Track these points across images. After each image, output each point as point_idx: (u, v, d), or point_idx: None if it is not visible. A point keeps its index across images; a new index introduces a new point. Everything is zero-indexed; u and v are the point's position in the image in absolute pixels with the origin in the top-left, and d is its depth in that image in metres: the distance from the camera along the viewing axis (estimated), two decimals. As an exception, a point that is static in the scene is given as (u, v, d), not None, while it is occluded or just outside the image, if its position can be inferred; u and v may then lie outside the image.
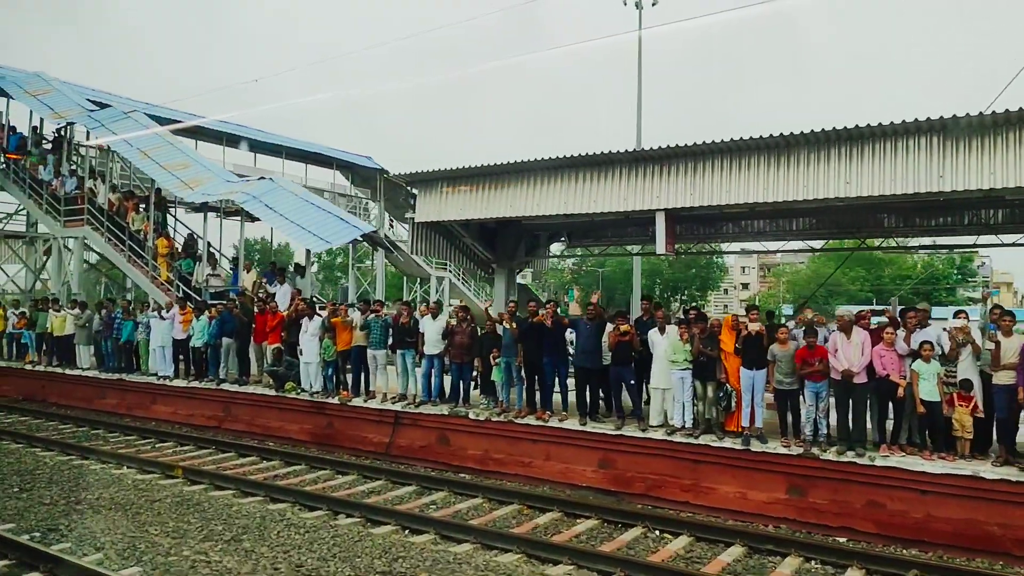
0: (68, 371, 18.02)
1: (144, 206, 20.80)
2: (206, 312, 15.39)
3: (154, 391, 16.20)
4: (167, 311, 15.93)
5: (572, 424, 10.73)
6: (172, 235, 20.44)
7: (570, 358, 11.21)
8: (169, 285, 19.34)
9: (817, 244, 19.38)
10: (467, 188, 12.60)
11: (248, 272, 17.88)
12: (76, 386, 17.90)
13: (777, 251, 21.69)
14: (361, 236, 16.72)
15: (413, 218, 13.55)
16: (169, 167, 19.76)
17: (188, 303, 16.19)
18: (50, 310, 18.69)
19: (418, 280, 45.26)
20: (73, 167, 23.12)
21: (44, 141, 24.91)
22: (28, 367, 19.06)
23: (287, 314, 14.29)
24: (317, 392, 13.57)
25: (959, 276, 65.72)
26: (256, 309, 14.91)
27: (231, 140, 24.81)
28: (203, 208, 19.47)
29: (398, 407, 12.49)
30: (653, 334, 10.35)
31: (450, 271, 42.25)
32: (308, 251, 16.80)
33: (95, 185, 21.79)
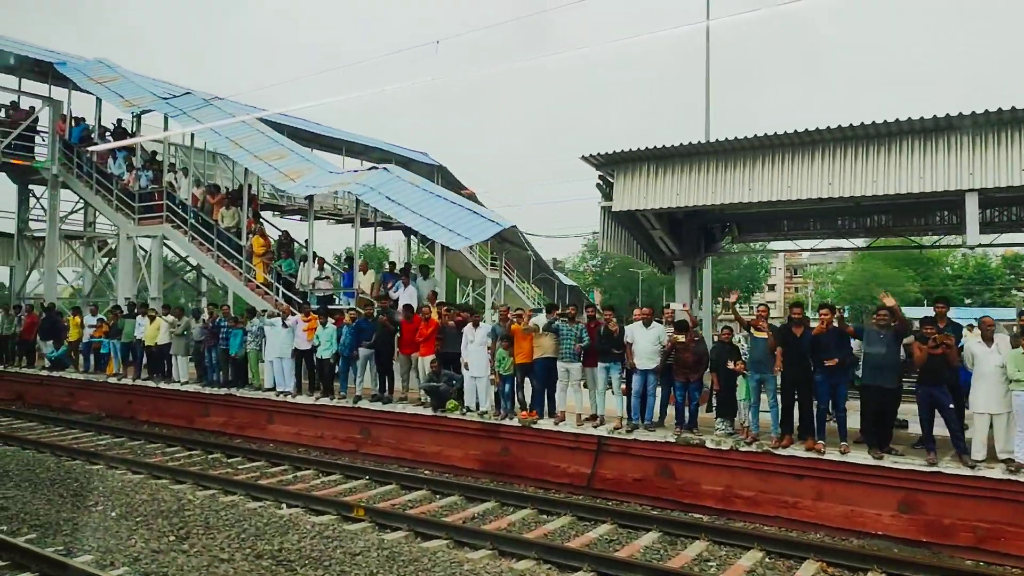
0: (163, 385, 16.06)
1: (231, 201, 18.85)
2: (330, 319, 13.47)
3: (271, 408, 14.24)
4: (286, 318, 13.97)
5: (859, 457, 8.71)
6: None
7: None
8: (267, 289, 17.41)
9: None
10: (687, 169, 10.64)
11: (365, 273, 15.90)
12: (172, 402, 15.94)
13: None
14: (502, 231, 14.76)
15: (609, 207, 11.52)
16: (265, 157, 17.88)
17: (310, 309, 14.20)
18: (138, 316, 16.75)
19: (471, 282, 42.83)
20: (148, 160, 21.19)
21: (108, 133, 23.00)
22: (112, 380, 17.11)
23: (443, 321, 12.32)
24: (487, 412, 11.59)
25: (1012, 276, 63.57)
26: (402, 316, 12.91)
27: (292, 134, 22.78)
28: (308, 205, 17.46)
29: (602, 431, 10.48)
30: (974, 346, 8.33)
31: (504, 272, 40.38)
32: (442, 250, 14.84)
33: (175, 179, 19.86)
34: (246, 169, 18.18)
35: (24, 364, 19.62)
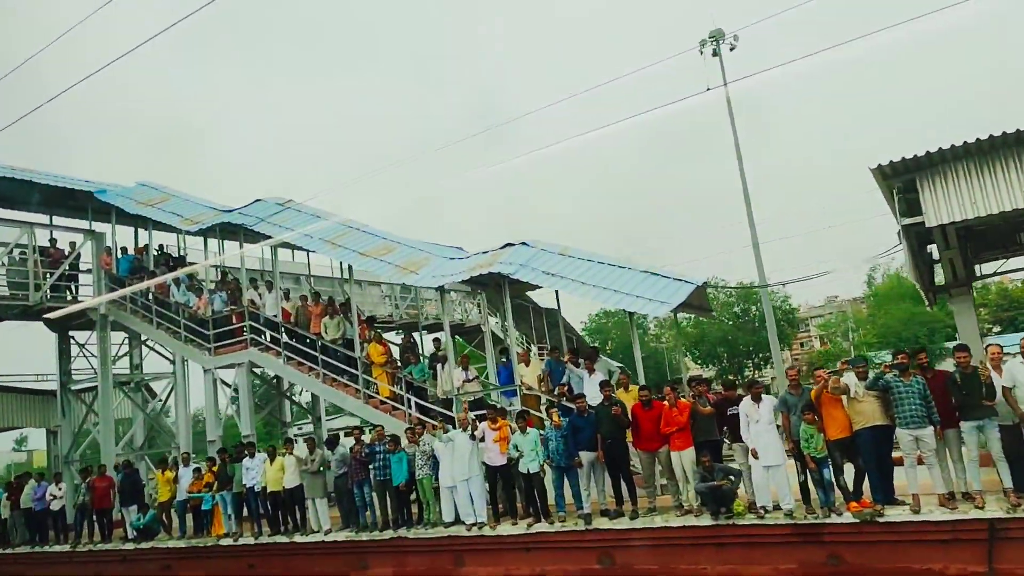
0: (298, 538, 13.06)
1: (332, 310, 16.36)
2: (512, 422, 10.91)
3: (460, 547, 11.35)
4: (466, 430, 11.33)
5: None
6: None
7: None
8: (395, 403, 14.75)
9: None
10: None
11: (528, 365, 13.38)
12: (314, 558, 12.94)
13: None
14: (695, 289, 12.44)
15: (918, 223, 9.29)
16: (372, 253, 15.57)
17: (496, 413, 11.57)
18: (246, 459, 13.90)
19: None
20: (219, 281, 18.79)
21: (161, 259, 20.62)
22: (226, 542, 14.03)
23: (699, 403, 9.81)
24: (793, 509, 8.94)
25: None
26: (635, 404, 10.37)
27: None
28: (439, 297, 14.96)
29: (992, 512, 7.89)
30: None
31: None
32: (632, 319, 12.44)
33: (260, 295, 17.39)
34: (349, 273, 15.84)
35: (99, 539, 16.37)
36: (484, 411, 12.86)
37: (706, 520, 9.38)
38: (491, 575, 10.99)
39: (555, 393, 12.94)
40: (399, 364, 15.07)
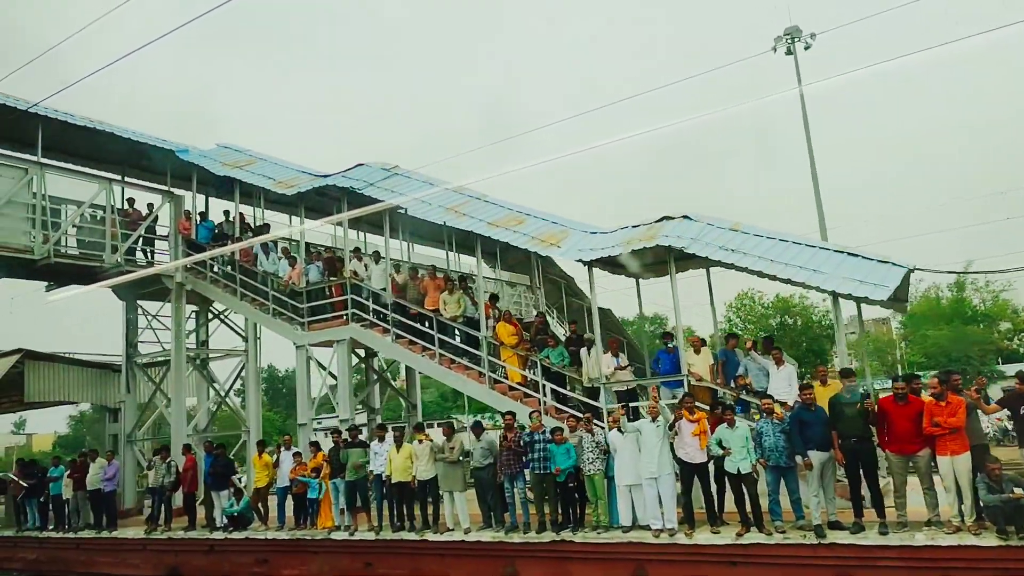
0: (430, 536, 11.47)
1: (452, 285, 14.81)
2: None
3: (642, 556, 9.74)
4: (655, 420, 9.75)
5: None
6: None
7: None
8: (527, 390, 13.19)
9: None
10: None
11: (699, 353, 11.77)
12: (448, 559, 11.33)
13: None
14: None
15: None
16: (502, 223, 14.02)
17: (694, 403, 9.97)
18: (374, 443, 12.36)
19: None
20: (317, 251, 17.26)
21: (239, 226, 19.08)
22: (338, 536, 12.47)
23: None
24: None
25: None
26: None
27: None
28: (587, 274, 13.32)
29: None
30: None
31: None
32: (836, 304, 10.84)
33: (366, 267, 15.84)
34: (476, 246, 14.29)
35: (186, 526, 14.81)
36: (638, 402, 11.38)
37: (990, 540, 7.77)
38: (684, 592, 9.37)
39: (732, 386, 11.35)
40: (534, 347, 13.48)
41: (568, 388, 13.15)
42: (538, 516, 10.69)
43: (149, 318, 19.66)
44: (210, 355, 20.75)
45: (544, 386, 12.88)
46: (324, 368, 16.82)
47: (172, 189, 19.06)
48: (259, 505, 13.85)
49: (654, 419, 9.78)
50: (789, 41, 28.65)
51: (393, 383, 19.52)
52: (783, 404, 9.92)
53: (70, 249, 17.20)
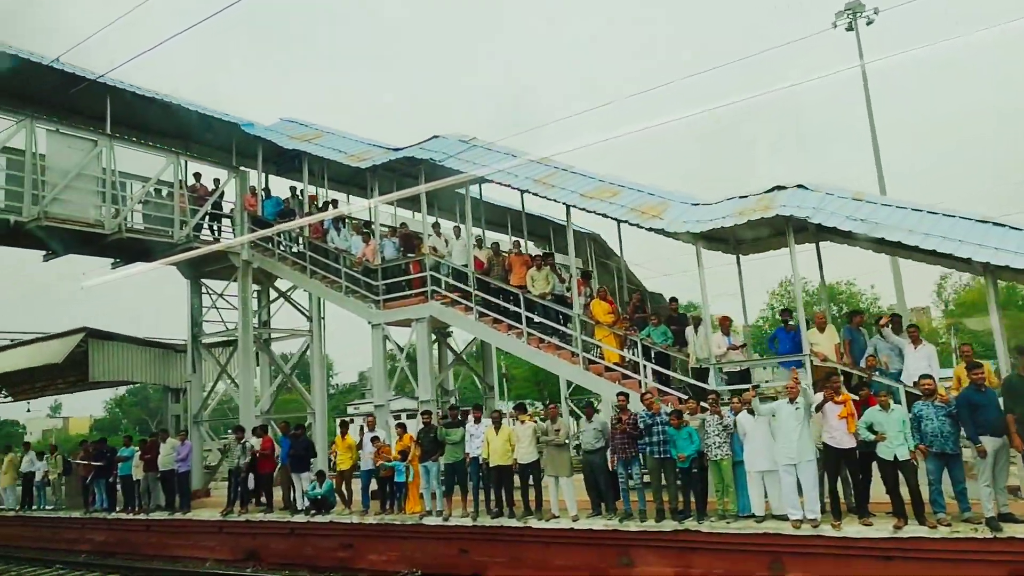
0: (535, 523, 10.82)
1: (540, 260, 14.10)
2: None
3: (780, 548, 8.99)
4: (794, 401, 8.97)
5: None
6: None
7: None
8: (627, 370, 12.45)
9: None
10: None
11: (823, 331, 10.91)
12: (557, 547, 10.67)
13: None
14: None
15: None
16: (596, 195, 13.26)
17: (839, 385, 9.16)
18: (470, 423, 11.72)
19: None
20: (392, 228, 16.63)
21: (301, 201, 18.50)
22: (431, 521, 11.88)
23: None
24: None
25: None
26: None
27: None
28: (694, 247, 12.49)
29: None
30: None
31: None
32: (991, 279, 9.93)
33: (446, 241, 15.19)
34: (568, 215, 13.53)
35: (263, 508, 14.36)
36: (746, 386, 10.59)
37: None
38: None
39: (862, 367, 10.50)
40: (633, 325, 12.73)
41: (672, 369, 12.36)
42: (656, 504, 9.99)
43: (214, 297, 19.22)
44: (273, 335, 20.27)
45: (645, 367, 12.15)
46: (400, 348, 16.21)
47: (236, 165, 18.53)
48: (343, 488, 13.31)
49: (792, 400, 8.99)
50: (850, 16, 27.39)
51: (468, 364, 18.81)
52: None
53: (137, 225, 16.78)
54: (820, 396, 8.95)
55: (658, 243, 13.28)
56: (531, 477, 11.09)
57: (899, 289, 22.17)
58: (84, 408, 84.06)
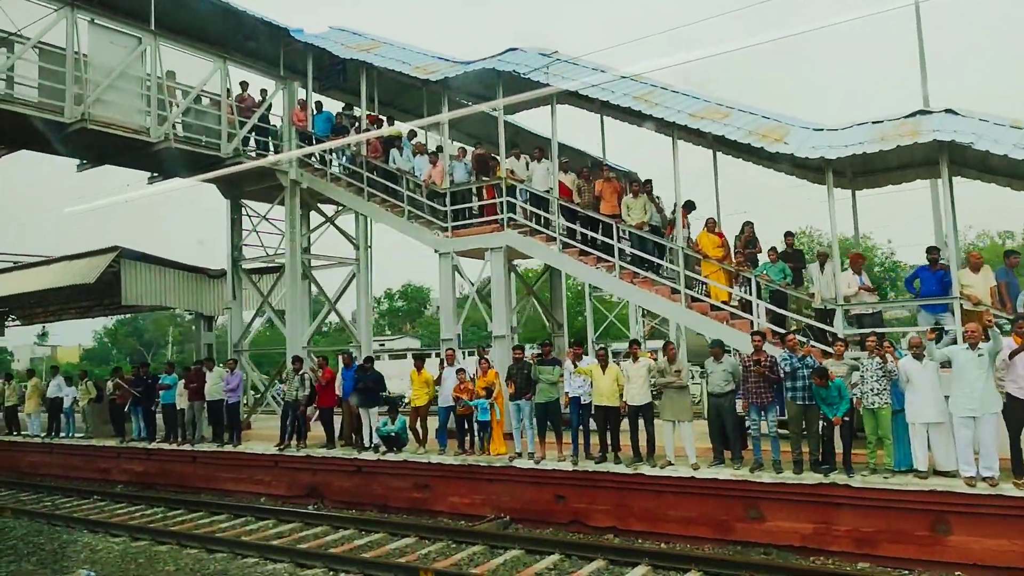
0: (644, 470, 9.89)
1: (637, 187, 12.89)
2: None
3: (946, 507, 8.09)
4: (975, 347, 7.94)
5: None
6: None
7: None
8: (736, 310, 11.41)
9: None
10: None
11: (977, 271, 9.82)
12: (666, 496, 9.76)
13: None
14: None
15: None
16: (706, 116, 11.99)
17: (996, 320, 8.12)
18: (568, 360, 10.71)
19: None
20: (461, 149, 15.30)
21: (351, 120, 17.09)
22: (519, 463, 10.95)
23: None
24: None
25: None
26: None
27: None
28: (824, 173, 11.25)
29: None
30: None
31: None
32: None
33: (527, 165, 13.93)
34: (674, 139, 12.26)
35: (325, 442, 13.44)
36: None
37: None
38: (1006, 552, 7.73)
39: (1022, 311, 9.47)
40: (746, 261, 11.63)
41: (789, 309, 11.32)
42: (793, 454, 9.05)
43: (254, 220, 17.97)
44: (316, 263, 19.06)
45: (758, 306, 11.10)
46: (465, 278, 15.11)
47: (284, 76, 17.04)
48: (416, 426, 12.35)
49: (973, 346, 7.97)
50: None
51: (539, 299, 17.68)
52: None
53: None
54: (1008, 342, 7.92)
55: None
56: (642, 420, 10.10)
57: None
58: (72, 337, 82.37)
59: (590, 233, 12.91)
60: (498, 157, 14.17)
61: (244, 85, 16.37)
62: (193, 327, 20.84)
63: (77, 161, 15.45)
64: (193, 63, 15.63)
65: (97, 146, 13.92)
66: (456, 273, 14.58)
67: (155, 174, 16.47)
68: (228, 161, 15.38)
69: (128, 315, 57.49)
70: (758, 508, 9.21)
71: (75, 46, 12.97)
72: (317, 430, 13.90)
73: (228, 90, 15.66)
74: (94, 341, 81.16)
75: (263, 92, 16.59)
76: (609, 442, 10.35)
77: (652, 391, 10.10)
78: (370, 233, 18.36)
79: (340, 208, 17.88)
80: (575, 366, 10.52)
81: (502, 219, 13.68)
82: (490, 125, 15.01)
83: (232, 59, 15.96)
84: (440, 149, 15.48)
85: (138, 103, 14.04)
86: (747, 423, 9.37)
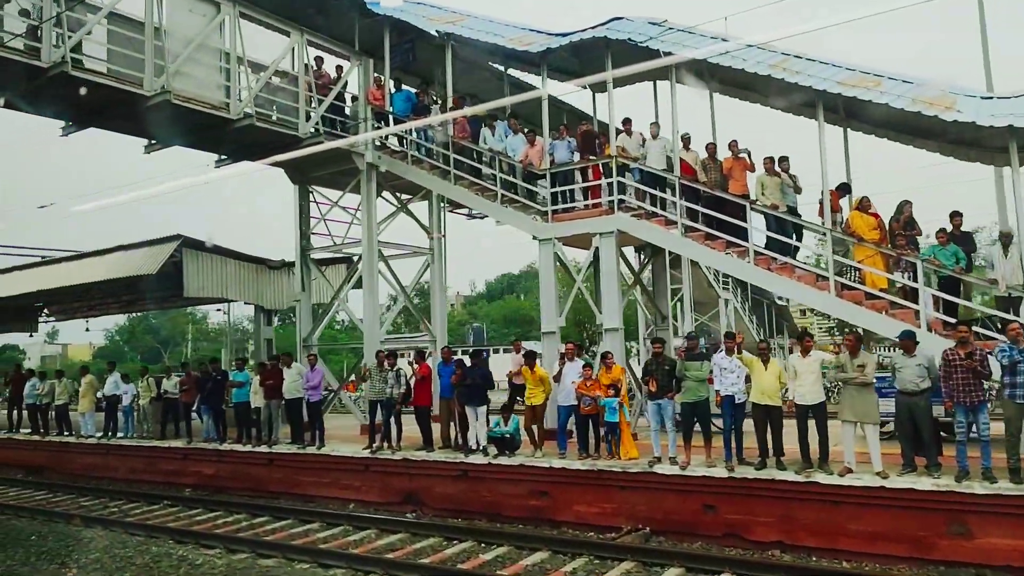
0: (821, 479, 8.71)
1: (771, 164, 11.71)
2: None
3: None
4: None
5: None
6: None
7: None
8: (895, 300, 10.21)
9: None
10: None
11: None
12: (846, 507, 8.59)
13: None
14: None
15: None
16: (856, 84, 10.80)
17: None
18: (718, 354, 9.55)
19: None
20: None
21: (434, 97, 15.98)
22: (660, 468, 9.80)
23: None
24: None
25: None
26: None
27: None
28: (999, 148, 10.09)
29: None
30: None
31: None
32: None
33: (642, 142, 12.77)
34: (819, 112, 11.07)
35: (422, 444, 12.34)
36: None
37: None
38: None
39: None
40: (908, 244, 10.43)
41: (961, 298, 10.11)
42: (1009, 461, 7.86)
43: (322, 208, 16.88)
44: (389, 253, 17.90)
45: (926, 294, 9.90)
46: (568, 267, 13.94)
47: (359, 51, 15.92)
48: (532, 427, 11.21)
49: None
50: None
51: (644, 286, 16.51)
52: None
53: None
54: None
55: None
56: (814, 422, 8.93)
57: None
58: (83, 336, 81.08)
59: (717, 215, 11.70)
60: (606, 134, 13.02)
61: (319, 61, 15.27)
62: (207, 325, 19.75)
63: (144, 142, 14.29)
64: (263, 37, 14.56)
65: (173, 124, 12.84)
66: (558, 261, 13.37)
67: (223, 156, 15.38)
68: (306, 141, 14.27)
69: (142, 312, 56.50)
70: (964, 522, 8.02)
71: (154, 13, 11.89)
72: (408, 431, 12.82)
73: (306, 65, 14.54)
74: (106, 339, 79.93)
75: (339, 69, 15.48)
76: (771, 446, 9.18)
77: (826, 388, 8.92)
78: (444, 221, 17.29)
79: (412, 194, 16.80)
80: (732, 356, 9.37)
81: (612, 201, 12.53)
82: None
83: (309, 33, 14.84)
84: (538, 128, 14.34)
85: (217, 77, 12.98)
86: (955, 426, 8.17)
